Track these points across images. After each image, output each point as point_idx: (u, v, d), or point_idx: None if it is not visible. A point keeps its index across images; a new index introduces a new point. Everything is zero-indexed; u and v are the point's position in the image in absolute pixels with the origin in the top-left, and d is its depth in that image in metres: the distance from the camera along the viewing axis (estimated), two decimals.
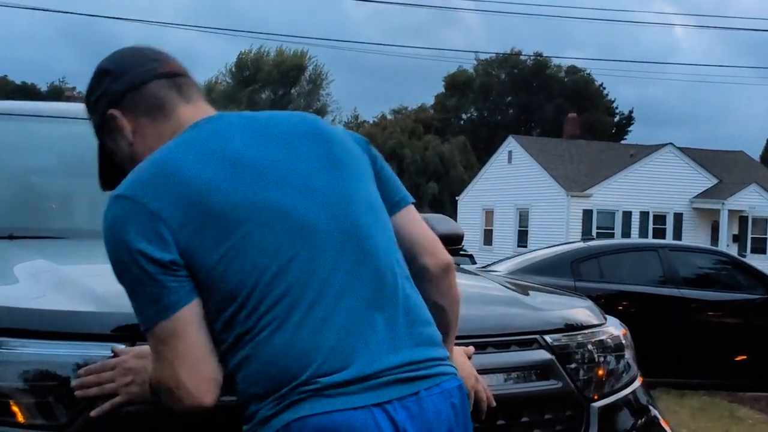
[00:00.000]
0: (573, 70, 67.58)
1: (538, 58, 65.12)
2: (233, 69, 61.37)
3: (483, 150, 57.69)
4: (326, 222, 1.80)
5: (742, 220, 37.94)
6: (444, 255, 2.03)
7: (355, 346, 1.73)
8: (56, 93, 48.36)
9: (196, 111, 1.94)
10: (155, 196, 1.76)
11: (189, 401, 1.79)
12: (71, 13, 76.04)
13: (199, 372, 1.77)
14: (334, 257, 1.78)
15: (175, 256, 1.74)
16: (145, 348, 1.93)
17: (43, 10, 53.16)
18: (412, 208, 2.04)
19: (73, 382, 2.01)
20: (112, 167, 2.06)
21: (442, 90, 69.98)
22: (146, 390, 1.92)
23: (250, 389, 1.76)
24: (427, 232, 2.04)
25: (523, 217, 40.33)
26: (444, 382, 1.82)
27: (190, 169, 1.78)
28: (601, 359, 2.71)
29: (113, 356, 2.04)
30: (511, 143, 42.74)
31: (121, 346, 2.06)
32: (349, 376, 1.71)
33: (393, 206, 1.99)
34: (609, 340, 2.78)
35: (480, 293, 2.90)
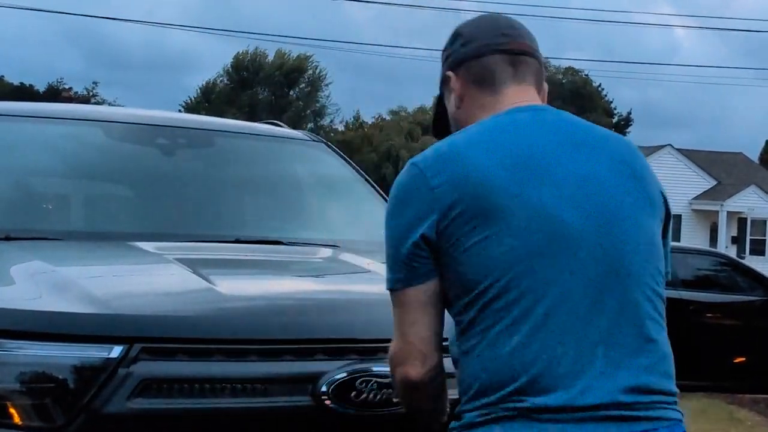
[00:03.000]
0: (571, 71, 67.63)
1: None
2: (230, 70, 61.33)
3: None
4: (591, 243, 1.78)
5: (741, 222, 37.96)
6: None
7: (575, 373, 1.71)
8: (54, 94, 48.30)
9: (521, 93, 1.95)
10: (436, 171, 1.79)
11: (398, 371, 1.84)
12: (70, 13, 76.07)
13: (413, 347, 1.80)
14: (586, 277, 1.76)
15: (431, 233, 1.77)
16: None
17: (42, 11, 53.11)
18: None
19: None
20: (444, 121, 2.09)
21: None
22: None
23: (466, 381, 1.78)
24: None
25: None
26: (663, 428, 1.77)
27: (474, 152, 1.80)
28: None
29: None
30: None
31: None
32: (565, 402, 1.69)
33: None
34: None
35: None
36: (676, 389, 1.85)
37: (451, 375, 1.89)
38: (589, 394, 1.71)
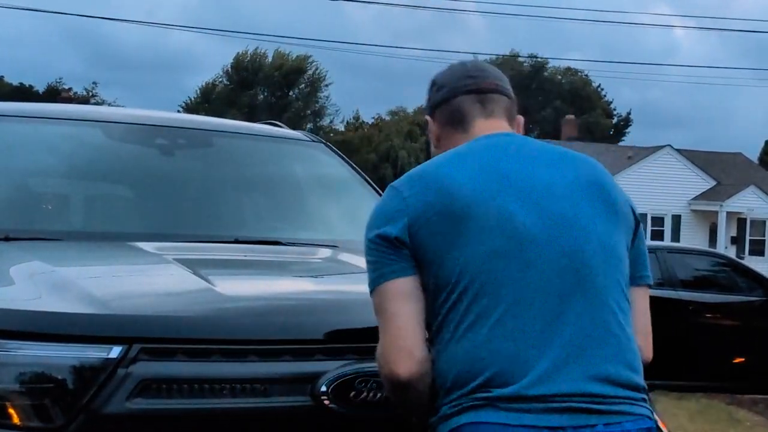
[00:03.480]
0: (571, 71, 67.61)
1: (536, 59, 65.23)
2: (230, 71, 61.32)
3: None
4: (551, 245, 1.91)
5: (741, 222, 37.95)
6: (650, 353, 2.10)
7: (539, 365, 1.82)
8: (53, 94, 48.27)
9: (490, 126, 2.13)
10: (409, 186, 2.00)
11: (385, 369, 1.93)
12: (70, 14, 75.97)
13: (396, 342, 1.91)
14: (546, 276, 1.89)
15: (403, 234, 1.93)
16: None
17: (43, 11, 53.11)
18: (647, 291, 2.13)
19: None
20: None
21: None
22: None
23: (441, 376, 1.91)
24: (648, 324, 2.12)
25: None
26: (627, 422, 1.85)
27: (444, 169, 2.00)
28: None
29: None
30: None
31: None
32: (530, 392, 1.80)
33: (633, 279, 2.07)
34: None
35: None
36: (643, 383, 1.93)
37: None
38: (552, 385, 1.82)
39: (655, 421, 1.95)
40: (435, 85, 2.24)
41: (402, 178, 2.05)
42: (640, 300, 2.10)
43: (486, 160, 1.99)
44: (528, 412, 1.79)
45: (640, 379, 1.93)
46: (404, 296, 1.93)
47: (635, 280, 2.08)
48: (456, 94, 2.16)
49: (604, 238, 1.96)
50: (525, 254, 1.89)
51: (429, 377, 1.93)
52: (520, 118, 2.24)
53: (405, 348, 1.89)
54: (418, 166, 2.08)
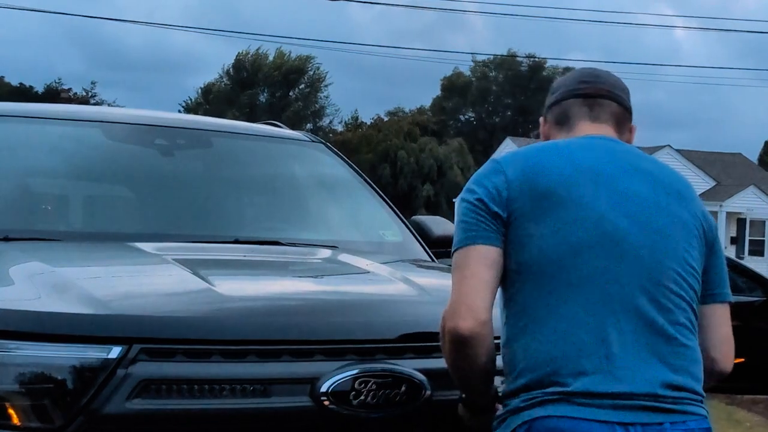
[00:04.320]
0: (570, 71, 67.55)
1: (535, 59, 65.23)
2: (230, 71, 61.30)
3: (480, 152, 57.66)
4: (633, 250, 2.00)
5: (740, 222, 37.97)
6: (728, 364, 2.20)
7: (614, 363, 1.92)
8: (52, 94, 48.21)
9: (595, 129, 2.22)
10: (512, 164, 2.08)
11: (449, 323, 1.99)
12: (72, 14, 75.90)
13: (466, 300, 1.98)
14: (625, 278, 1.97)
15: (501, 209, 2.02)
16: None
17: (45, 11, 53.06)
18: (727, 307, 2.21)
19: None
20: None
21: (440, 92, 70.01)
22: None
23: (510, 363, 2.00)
24: (731, 339, 2.21)
25: None
26: (692, 421, 1.97)
27: (539, 158, 2.09)
28: None
29: None
30: (508, 145, 42.74)
31: None
32: (603, 389, 1.90)
33: (715, 296, 2.17)
34: None
35: None
36: (702, 391, 2.04)
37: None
38: (623, 384, 1.91)
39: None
40: (552, 89, 2.37)
41: (505, 155, 2.14)
42: (720, 314, 2.19)
43: (584, 158, 2.08)
44: (600, 407, 1.89)
45: (699, 388, 2.04)
46: (488, 262, 2.00)
47: (719, 296, 2.18)
48: (566, 97, 2.28)
49: (686, 256, 2.06)
50: (609, 253, 1.98)
51: (488, 341, 2.00)
52: (633, 127, 2.31)
53: (473, 307, 1.97)
54: (521, 148, 2.18)
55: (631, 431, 1.89)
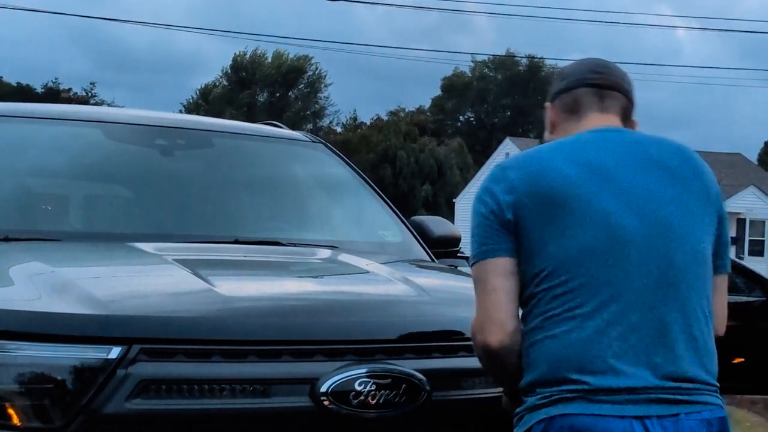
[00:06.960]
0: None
1: (533, 59, 65.19)
2: (229, 71, 61.27)
3: (480, 152, 57.67)
4: (646, 249, 2.01)
5: (740, 223, 37.95)
6: (723, 329, 2.22)
7: (627, 360, 1.95)
8: (52, 94, 48.20)
9: (603, 120, 2.21)
10: (517, 169, 2.09)
11: (479, 338, 2.06)
12: (76, 15, 75.83)
13: (491, 314, 2.03)
14: (638, 277, 1.99)
15: (511, 215, 2.04)
16: None
17: (49, 12, 53.02)
18: (725, 279, 2.22)
19: None
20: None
21: (440, 93, 69.98)
22: None
23: (529, 358, 2.02)
24: (725, 305, 2.23)
25: None
26: (706, 411, 1.99)
27: (544, 161, 2.09)
28: None
29: None
30: (508, 145, 42.75)
31: None
32: (618, 385, 1.93)
33: (716, 267, 2.17)
34: None
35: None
36: (716, 382, 2.06)
37: None
38: (638, 380, 1.94)
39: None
40: (561, 75, 2.35)
41: (509, 160, 2.15)
42: (719, 284, 2.20)
43: (591, 155, 2.09)
44: (616, 403, 1.92)
45: (713, 379, 2.06)
46: (505, 273, 2.04)
47: (719, 268, 2.18)
48: (578, 86, 2.26)
49: (696, 246, 2.07)
50: (618, 254, 1.99)
51: (518, 346, 2.04)
52: (635, 121, 2.31)
53: (499, 320, 2.02)
54: (526, 151, 2.19)
55: (647, 424, 1.92)
